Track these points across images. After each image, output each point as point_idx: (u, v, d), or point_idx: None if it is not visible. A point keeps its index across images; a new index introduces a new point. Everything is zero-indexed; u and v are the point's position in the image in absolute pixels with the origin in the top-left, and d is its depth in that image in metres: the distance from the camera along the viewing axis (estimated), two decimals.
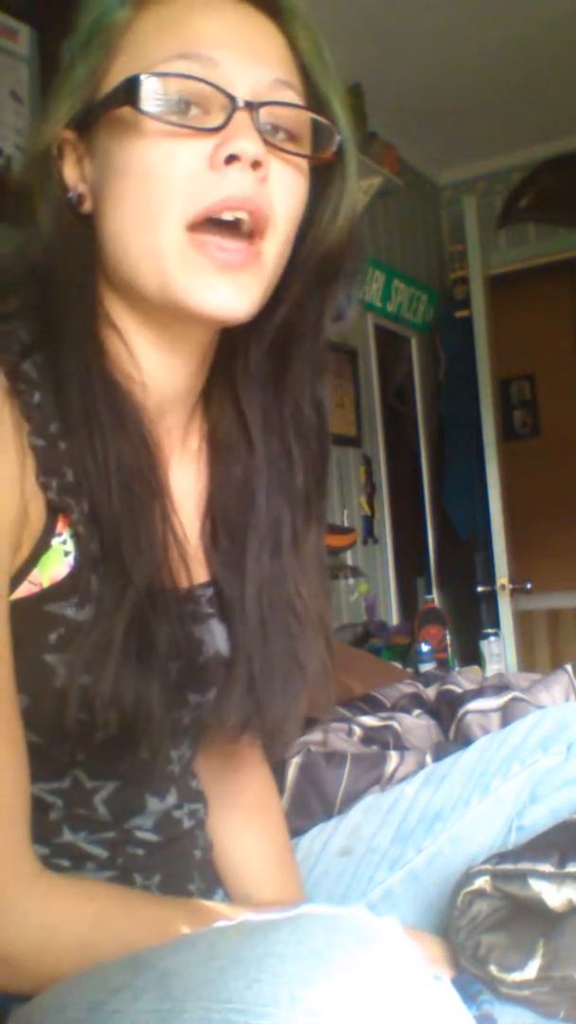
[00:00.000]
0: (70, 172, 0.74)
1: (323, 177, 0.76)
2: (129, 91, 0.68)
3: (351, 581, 3.36)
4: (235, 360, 0.82)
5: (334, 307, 0.80)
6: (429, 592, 3.88)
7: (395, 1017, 0.49)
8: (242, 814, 0.96)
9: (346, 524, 3.33)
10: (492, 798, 0.99)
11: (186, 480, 0.83)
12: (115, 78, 0.70)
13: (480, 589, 3.76)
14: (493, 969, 0.75)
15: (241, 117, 0.68)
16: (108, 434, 0.71)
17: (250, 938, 0.54)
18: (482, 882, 0.78)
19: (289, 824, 1.02)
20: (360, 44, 3.04)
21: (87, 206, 0.73)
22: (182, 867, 0.84)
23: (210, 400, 0.84)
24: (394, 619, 3.67)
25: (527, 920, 0.76)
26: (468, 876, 0.79)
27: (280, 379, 0.82)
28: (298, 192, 0.73)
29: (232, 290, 0.70)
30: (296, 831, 1.07)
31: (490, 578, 3.60)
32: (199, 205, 0.68)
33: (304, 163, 0.73)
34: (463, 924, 0.78)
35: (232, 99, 0.68)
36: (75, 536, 0.70)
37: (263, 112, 0.70)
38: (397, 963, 0.51)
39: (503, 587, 3.51)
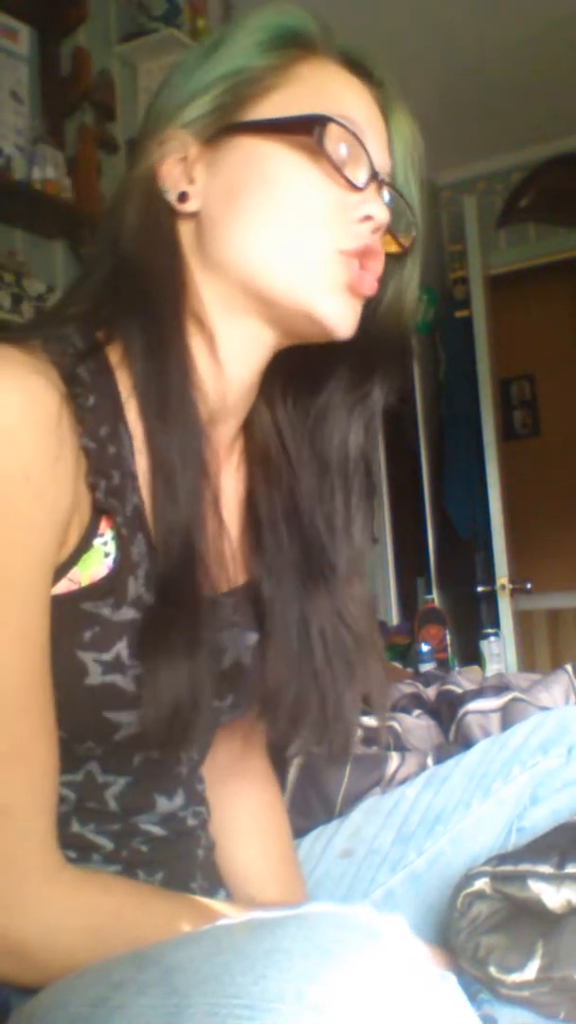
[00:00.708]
0: (171, 170, 0.78)
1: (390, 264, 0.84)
2: (310, 125, 0.75)
3: None
4: (282, 399, 0.88)
5: (388, 382, 0.87)
6: (429, 592, 3.88)
7: (401, 1013, 0.49)
8: (247, 816, 0.96)
9: None
10: (493, 800, 0.99)
11: (228, 491, 0.85)
12: (272, 108, 0.77)
13: (480, 589, 3.76)
14: (493, 970, 0.75)
15: (375, 187, 0.78)
16: (189, 427, 0.75)
17: (256, 934, 0.54)
18: (482, 884, 0.78)
19: (290, 824, 1.02)
20: (360, 44, 3.04)
21: (191, 206, 0.78)
22: (185, 866, 0.85)
23: (254, 423, 0.88)
24: (394, 619, 3.68)
25: (526, 921, 0.77)
26: (468, 878, 0.79)
27: (321, 426, 0.87)
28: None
29: (352, 312, 0.78)
30: (297, 832, 1.07)
31: (490, 578, 3.60)
32: (348, 244, 0.76)
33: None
34: (463, 925, 0.78)
35: (374, 170, 0.78)
36: (117, 538, 0.72)
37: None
38: (403, 960, 0.52)
39: (503, 587, 3.51)
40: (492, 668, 3.03)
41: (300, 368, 0.85)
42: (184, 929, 0.70)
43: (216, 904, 0.77)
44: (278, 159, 0.76)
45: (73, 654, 0.71)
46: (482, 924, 0.78)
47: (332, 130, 0.75)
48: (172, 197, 0.78)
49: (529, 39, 3.21)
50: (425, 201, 0.85)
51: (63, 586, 0.70)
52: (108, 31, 2.68)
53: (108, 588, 0.71)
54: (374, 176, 0.78)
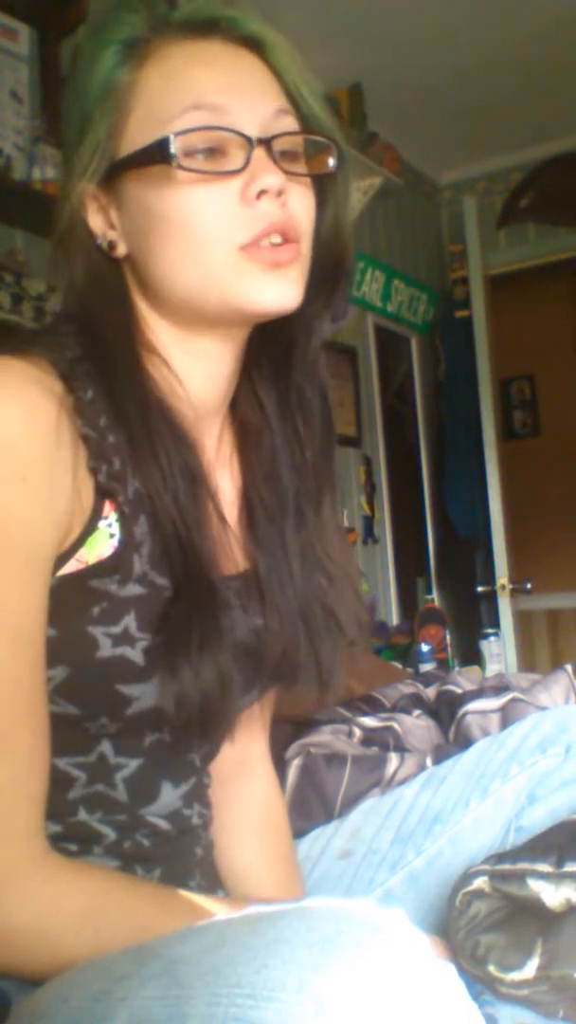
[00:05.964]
0: (95, 220, 0.80)
1: (321, 187, 0.83)
2: (161, 150, 0.75)
3: None
4: (252, 360, 0.89)
5: (335, 307, 0.88)
6: (429, 592, 3.88)
7: (403, 1003, 0.50)
8: (247, 816, 0.97)
9: (346, 524, 3.33)
10: (491, 800, 0.99)
11: (224, 482, 0.88)
12: (134, 135, 0.77)
13: (480, 589, 3.76)
14: (492, 969, 0.75)
15: (259, 154, 0.76)
16: (169, 446, 0.77)
17: (258, 926, 0.55)
18: (480, 882, 0.78)
19: (290, 825, 1.02)
20: (360, 44, 3.04)
21: (120, 250, 0.80)
22: (184, 863, 0.86)
23: (237, 400, 0.90)
24: (394, 619, 3.68)
25: (525, 920, 0.77)
26: (467, 876, 0.79)
27: (288, 372, 0.89)
28: (311, 204, 0.81)
29: (283, 284, 0.77)
30: (296, 832, 1.07)
31: (490, 578, 3.60)
32: (246, 236, 0.76)
33: (309, 178, 0.81)
34: (462, 924, 0.79)
35: (248, 140, 0.76)
36: (120, 519, 0.76)
37: (274, 143, 0.77)
38: (405, 951, 0.52)
39: (503, 587, 3.51)
40: (492, 668, 3.03)
41: (266, 335, 0.87)
42: (179, 918, 0.71)
43: (208, 901, 0.77)
44: (156, 188, 0.77)
45: (84, 629, 0.73)
46: (481, 923, 0.78)
47: (182, 141, 0.75)
48: (105, 246, 0.80)
49: (530, 40, 3.21)
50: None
51: (71, 566, 0.74)
52: None
53: (114, 566, 0.75)
54: (252, 146, 0.76)
